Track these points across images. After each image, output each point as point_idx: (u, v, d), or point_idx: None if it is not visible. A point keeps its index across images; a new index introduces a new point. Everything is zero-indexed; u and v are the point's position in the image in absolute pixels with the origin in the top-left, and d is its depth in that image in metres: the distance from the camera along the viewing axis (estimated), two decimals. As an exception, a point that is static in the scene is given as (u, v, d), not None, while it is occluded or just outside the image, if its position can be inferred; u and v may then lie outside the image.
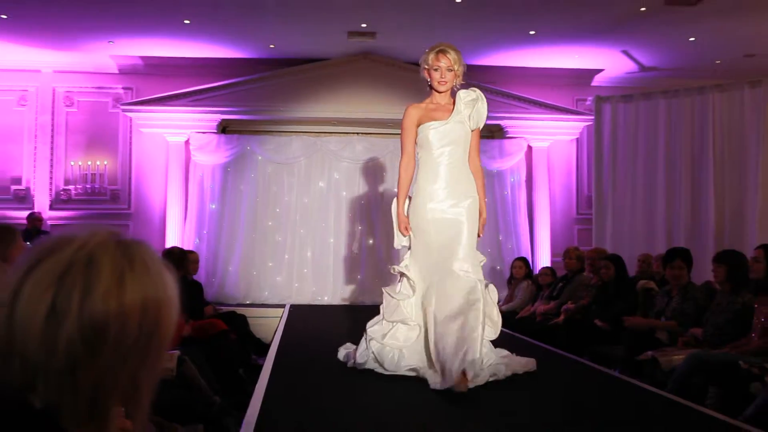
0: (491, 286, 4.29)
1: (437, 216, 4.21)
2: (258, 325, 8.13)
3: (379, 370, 4.21)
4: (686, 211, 8.62)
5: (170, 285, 1.05)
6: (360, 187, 10.08)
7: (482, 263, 4.32)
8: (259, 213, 9.96)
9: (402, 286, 4.35)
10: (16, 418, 0.95)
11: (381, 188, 10.08)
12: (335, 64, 10.02)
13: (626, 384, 4.34)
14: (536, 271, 9.05)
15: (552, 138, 10.58)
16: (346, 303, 9.66)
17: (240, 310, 8.14)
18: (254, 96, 9.94)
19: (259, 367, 5.00)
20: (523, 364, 4.33)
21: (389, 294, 4.37)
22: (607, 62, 10.11)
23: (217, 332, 6.19)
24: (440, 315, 3.97)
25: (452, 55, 4.24)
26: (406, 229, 4.35)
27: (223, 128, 10.17)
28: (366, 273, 9.92)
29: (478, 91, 4.37)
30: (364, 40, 9.17)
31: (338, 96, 9.98)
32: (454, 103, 4.34)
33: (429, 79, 4.34)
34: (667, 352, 5.08)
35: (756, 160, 8.07)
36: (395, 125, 9.99)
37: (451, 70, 4.25)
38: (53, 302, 0.96)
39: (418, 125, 4.32)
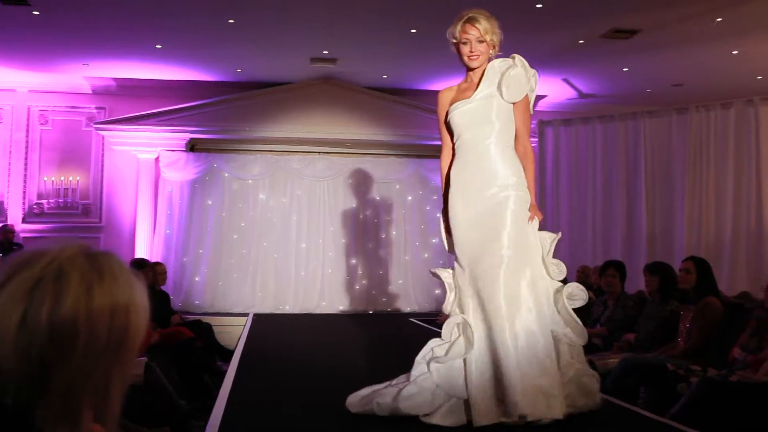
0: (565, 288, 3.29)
1: (468, 212, 3.34)
2: (223, 333, 8.04)
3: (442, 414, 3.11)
4: (622, 226, 8.80)
5: (139, 292, 1.06)
6: (320, 202, 10.07)
7: (548, 253, 3.35)
8: (225, 227, 9.88)
9: (449, 301, 3.39)
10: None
11: (340, 204, 10.09)
12: (298, 87, 10.03)
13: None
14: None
15: (499, 158, 10.69)
16: (307, 312, 9.62)
17: (206, 319, 8.04)
18: (222, 116, 9.89)
19: (224, 373, 4.96)
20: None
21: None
22: (550, 89, 10.29)
23: (184, 340, 6.12)
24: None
25: (483, 24, 3.36)
26: (447, 230, 3.45)
27: (192, 146, 10.08)
28: (325, 283, 9.91)
29: (519, 58, 3.46)
30: (326, 65, 9.20)
31: (301, 117, 9.98)
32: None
33: (459, 55, 3.47)
34: (603, 356, 5.18)
35: (682, 179, 8.30)
36: (354, 145, 10.12)
37: (482, 41, 3.37)
38: (24, 315, 0.96)
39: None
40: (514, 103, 3.40)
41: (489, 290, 3.14)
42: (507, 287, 3.13)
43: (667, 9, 7.08)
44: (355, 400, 3.34)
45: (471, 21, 3.36)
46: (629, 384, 4.54)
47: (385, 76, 9.73)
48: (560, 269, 3.35)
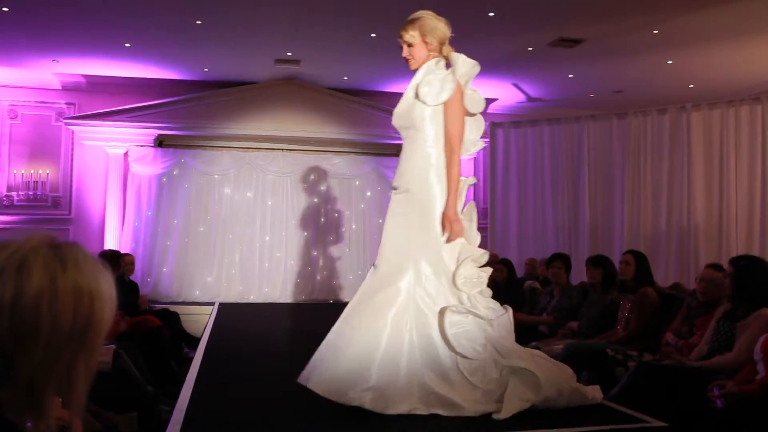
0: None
1: (389, 216, 3.33)
2: (189, 321, 7.94)
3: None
4: (566, 221, 8.91)
5: (104, 282, 1.01)
6: (283, 197, 9.99)
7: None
8: (192, 219, 9.74)
9: None
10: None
11: (303, 199, 10.03)
12: (263, 87, 9.92)
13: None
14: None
15: (453, 157, 10.74)
16: (271, 301, 9.56)
17: (173, 308, 7.94)
18: (189, 114, 9.72)
19: (190, 359, 4.89)
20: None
21: None
22: (500, 93, 10.37)
23: (152, 328, 6.02)
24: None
25: (408, 32, 3.28)
26: None
27: (160, 142, 9.89)
28: (287, 274, 9.85)
29: (453, 57, 3.29)
30: (290, 66, 9.11)
31: (265, 116, 9.88)
32: None
33: None
34: (548, 342, 5.24)
35: (622, 178, 8.44)
36: (316, 143, 10.06)
37: (411, 45, 3.29)
38: None
39: None
40: (444, 104, 3.22)
41: (382, 294, 3.14)
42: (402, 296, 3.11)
43: (608, 21, 7.18)
44: None
45: (401, 28, 3.31)
46: (572, 368, 4.59)
47: (346, 78, 9.69)
48: (473, 282, 3.18)
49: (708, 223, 7.77)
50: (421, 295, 3.11)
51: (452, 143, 3.23)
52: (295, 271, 9.87)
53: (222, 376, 4.00)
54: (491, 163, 9.60)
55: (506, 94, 10.39)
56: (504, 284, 6.65)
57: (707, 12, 6.86)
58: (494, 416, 2.93)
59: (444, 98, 3.22)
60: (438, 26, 3.30)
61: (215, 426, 2.96)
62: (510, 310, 3.33)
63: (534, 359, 3.23)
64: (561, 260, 6.01)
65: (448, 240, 3.18)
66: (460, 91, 3.25)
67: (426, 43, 3.29)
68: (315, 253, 9.97)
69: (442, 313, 3.07)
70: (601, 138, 8.73)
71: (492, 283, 7.01)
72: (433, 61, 3.31)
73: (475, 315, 3.11)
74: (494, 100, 10.78)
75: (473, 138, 3.40)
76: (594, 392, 3.30)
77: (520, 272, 7.48)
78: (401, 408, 2.95)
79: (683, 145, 7.98)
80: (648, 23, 7.21)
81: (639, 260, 5.15)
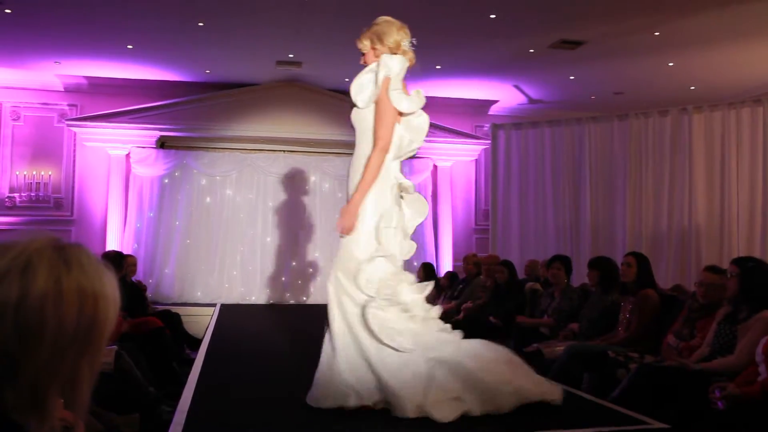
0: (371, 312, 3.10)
1: None
2: (191, 323, 7.94)
3: None
4: (569, 223, 8.91)
5: (108, 283, 1.02)
6: (284, 198, 10.00)
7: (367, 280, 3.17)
8: (193, 220, 9.75)
9: None
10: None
11: (303, 200, 10.03)
12: (265, 89, 9.93)
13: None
14: (440, 274, 9.22)
15: (454, 159, 10.78)
16: (271, 302, 9.57)
17: (174, 309, 7.94)
18: (191, 115, 9.74)
19: (192, 361, 4.89)
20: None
21: None
22: (502, 94, 10.37)
23: (153, 329, 6.02)
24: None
25: (362, 41, 3.41)
26: None
27: (162, 144, 9.90)
28: (289, 275, 9.85)
29: (382, 57, 3.32)
30: (291, 68, 9.12)
31: (267, 117, 9.89)
32: None
33: None
34: (549, 344, 5.24)
35: (623, 180, 8.43)
36: (316, 144, 10.08)
37: (363, 54, 3.42)
38: None
39: None
40: (374, 104, 3.26)
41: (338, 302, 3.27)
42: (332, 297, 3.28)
43: (609, 23, 7.19)
44: None
45: (357, 38, 3.39)
46: (574, 370, 4.60)
47: (347, 79, 9.56)
48: (384, 285, 3.16)
49: (709, 224, 7.76)
50: (348, 301, 3.21)
51: (376, 143, 3.24)
52: (297, 272, 9.87)
53: (223, 377, 4.00)
54: (492, 164, 9.61)
55: (507, 95, 10.39)
56: (505, 286, 6.65)
57: (708, 14, 6.86)
58: (435, 417, 2.89)
59: (363, 101, 3.29)
60: (389, 32, 3.33)
61: (217, 427, 2.96)
62: (437, 307, 3.38)
63: (465, 349, 3.19)
64: (560, 262, 6.01)
65: (338, 230, 3.23)
66: (385, 91, 3.24)
67: (375, 49, 3.36)
68: (317, 255, 9.98)
69: (363, 309, 3.12)
70: (602, 140, 8.73)
71: (494, 284, 7.04)
72: (373, 65, 3.34)
73: (396, 305, 3.14)
74: (495, 101, 10.79)
75: (413, 137, 3.36)
76: (553, 392, 3.14)
77: (521, 274, 7.47)
78: (376, 401, 3.05)
79: (684, 147, 7.97)
80: (649, 25, 7.21)
81: (640, 262, 5.15)
